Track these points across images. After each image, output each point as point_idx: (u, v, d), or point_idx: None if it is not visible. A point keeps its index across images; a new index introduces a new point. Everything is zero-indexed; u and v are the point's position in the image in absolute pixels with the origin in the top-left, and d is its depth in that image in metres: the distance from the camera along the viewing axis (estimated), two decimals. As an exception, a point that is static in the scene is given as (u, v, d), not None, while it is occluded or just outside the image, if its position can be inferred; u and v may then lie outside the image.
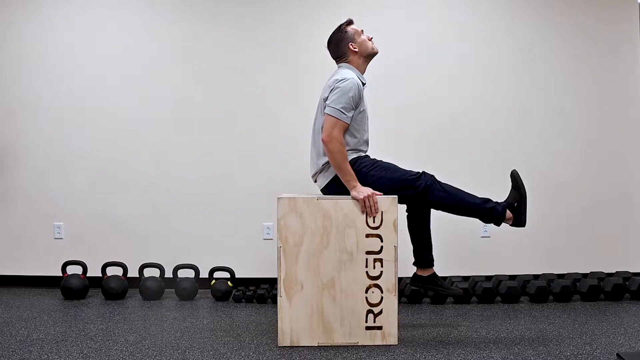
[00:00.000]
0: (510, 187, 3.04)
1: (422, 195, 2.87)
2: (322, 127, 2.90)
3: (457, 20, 4.28)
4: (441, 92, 4.26)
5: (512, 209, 2.95)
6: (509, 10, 4.29)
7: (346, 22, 3.08)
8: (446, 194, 2.88)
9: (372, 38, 3.08)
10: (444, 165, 4.22)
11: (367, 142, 3.04)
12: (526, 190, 2.93)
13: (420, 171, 2.92)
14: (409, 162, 4.02)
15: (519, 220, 2.95)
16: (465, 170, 4.24)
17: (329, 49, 3.10)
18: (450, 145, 4.25)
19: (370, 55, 3.07)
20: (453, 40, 4.27)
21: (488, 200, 2.93)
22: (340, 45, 3.04)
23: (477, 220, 4.20)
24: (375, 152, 3.25)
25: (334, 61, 3.12)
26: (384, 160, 2.99)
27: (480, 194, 4.21)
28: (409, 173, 2.91)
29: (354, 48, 3.02)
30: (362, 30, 3.07)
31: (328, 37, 3.10)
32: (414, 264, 3.10)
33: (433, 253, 3.10)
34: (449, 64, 4.27)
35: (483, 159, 4.26)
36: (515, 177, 2.98)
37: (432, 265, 3.09)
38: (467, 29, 4.27)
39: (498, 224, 2.95)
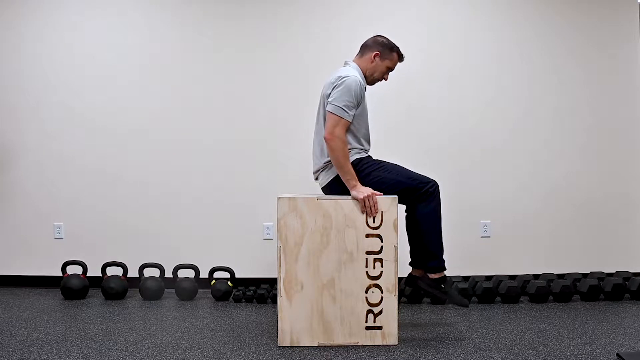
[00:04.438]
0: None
1: (419, 196, 2.87)
2: (324, 124, 2.91)
3: (457, 20, 4.27)
4: (441, 93, 4.26)
5: (440, 280, 2.95)
6: (509, 10, 4.29)
7: (401, 52, 3.08)
8: (433, 212, 2.89)
9: (385, 80, 3.09)
10: (446, 165, 4.22)
11: (368, 141, 3.04)
12: (443, 300, 3.01)
13: (430, 178, 2.92)
14: (414, 166, 4.02)
15: (426, 285, 2.97)
16: (466, 170, 4.24)
17: (367, 39, 3.08)
18: (455, 147, 4.25)
19: (367, 78, 3.05)
20: (453, 40, 4.27)
21: (443, 252, 2.94)
22: (374, 46, 3.03)
23: (477, 219, 4.25)
24: (382, 157, 3.23)
25: (348, 55, 3.12)
26: (390, 162, 2.99)
27: (483, 193, 4.23)
28: (415, 176, 2.91)
29: (373, 59, 3.02)
30: (391, 67, 3.07)
31: (380, 34, 3.10)
32: (410, 264, 3.10)
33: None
34: (453, 66, 4.26)
35: (484, 159, 4.25)
36: (462, 301, 2.97)
37: None
38: (467, 29, 4.27)
39: (422, 267, 2.98)
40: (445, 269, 2.97)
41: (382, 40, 3.06)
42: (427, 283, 2.98)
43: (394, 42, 3.09)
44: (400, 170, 2.94)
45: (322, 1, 4.26)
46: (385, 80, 3.11)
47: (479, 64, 4.27)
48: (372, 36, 3.10)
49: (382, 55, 3.03)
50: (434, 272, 2.95)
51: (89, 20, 4.25)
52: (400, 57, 3.09)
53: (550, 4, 4.30)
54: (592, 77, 4.31)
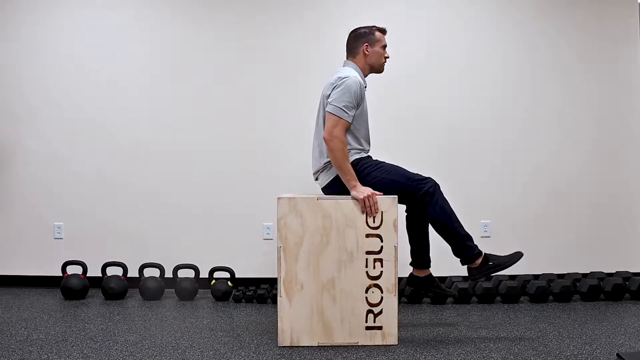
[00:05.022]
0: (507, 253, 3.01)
1: (421, 198, 2.87)
2: (323, 125, 2.91)
3: (459, 19, 4.27)
4: (442, 93, 4.26)
5: (484, 262, 2.93)
6: (509, 12, 4.29)
7: (380, 27, 3.09)
8: (440, 209, 2.89)
9: (388, 58, 3.09)
10: (446, 164, 4.22)
11: (368, 141, 3.04)
12: (507, 268, 2.92)
13: (426, 176, 2.92)
14: (414, 165, 4.02)
15: (477, 274, 2.94)
16: (466, 170, 4.24)
17: (348, 38, 3.09)
18: (454, 147, 4.25)
19: (374, 69, 3.07)
20: (456, 41, 4.27)
21: (470, 238, 2.94)
22: (357, 41, 3.04)
23: (477, 220, 4.25)
24: (382, 156, 3.24)
25: (345, 55, 3.11)
26: (388, 162, 2.99)
27: (483, 193, 4.23)
28: (413, 175, 2.91)
29: (366, 52, 3.03)
30: (385, 45, 3.07)
31: (354, 28, 3.11)
32: (411, 264, 3.10)
33: (431, 254, 3.10)
34: (453, 66, 4.26)
35: (484, 159, 4.25)
36: (518, 255, 2.95)
37: (429, 266, 3.08)
38: (469, 30, 4.27)
39: (463, 263, 2.97)
40: (480, 254, 2.93)
41: (361, 31, 3.06)
42: (481, 272, 2.92)
43: (367, 25, 3.10)
44: (398, 171, 2.94)
45: (324, 1, 4.26)
46: (388, 58, 3.10)
47: (480, 64, 4.27)
48: (349, 34, 3.10)
49: (370, 43, 3.04)
50: (476, 259, 2.93)
51: (89, 21, 4.25)
52: (383, 31, 3.09)
53: (550, 5, 4.30)
54: (592, 77, 4.31)
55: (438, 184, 2.92)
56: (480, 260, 2.94)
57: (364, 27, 3.08)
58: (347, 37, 3.10)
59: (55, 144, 4.24)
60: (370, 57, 3.04)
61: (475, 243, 2.95)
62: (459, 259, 2.97)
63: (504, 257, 2.95)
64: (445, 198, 2.92)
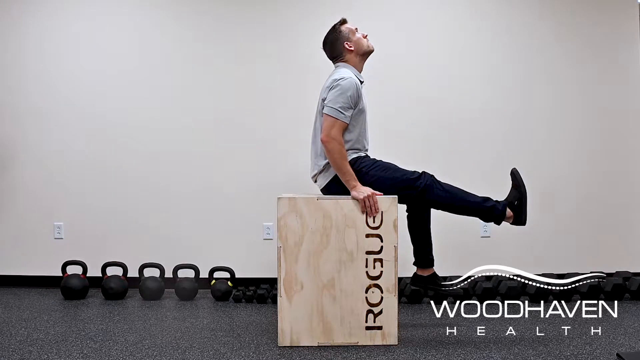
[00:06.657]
0: (510, 186, 3.05)
1: (422, 194, 2.87)
2: (321, 127, 2.91)
3: (458, 21, 4.28)
4: (441, 92, 4.26)
5: (512, 208, 2.96)
6: (509, 11, 4.29)
7: (340, 21, 3.09)
8: (446, 193, 2.89)
9: (367, 36, 3.08)
10: (445, 165, 4.22)
11: (367, 141, 3.04)
12: (526, 188, 2.94)
13: (420, 171, 2.92)
14: (410, 162, 4.02)
15: (520, 218, 2.97)
16: (466, 170, 4.24)
17: (324, 50, 3.10)
18: (451, 146, 4.25)
19: (366, 53, 3.07)
20: (452, 40, 4.27)
21: (488, 199, 2.93)
22: (336, 45, 3.04)
23: (478, 220, 4.22)
24: (376, 153, 3.24)
25: (331, 61, 3.12)
26: (385, 160, 2.99)
27: (481, 194, 4.23)
28: (409, 173, 2.91)
29: (350, 47, 3.03)
30: (356, 29, 3.07)
31: (323, 38, 3.10)
32: (415, 263, 3.10)
33: (433, 253, 3.10)
34: (449, 64, 4.27)
35: (483, 159, 4.25)
36: (515, 175, 2.99)
37: (432, 265, 3.09)
38: (466, 30, 4.28)
39: (498, 223, 2.96)
40: (505, 205, 2.95)
41: (331, 37, 3.06)
42: (520, 215, 2.99)
43: (332, 26, 3.08)
44: (394, 169, 2.95)
45: (326, 1, 4.26)
46: (367, 35, 3.08)
47: (480, 64, 4.27)
48: (324, 46, 3.09)
49: (347, 39, 3.03)
50: (506, 213, 2.95)
51: (89, 20, 4.25)
52: (344, 21, 3.10)
53: (550, 5, 4.30)
54: (591, 77, 4.31)
55: (432, 175, 2.92)
56: (510, 212, 2.96)
57: (330, 32, 3.08)
58: (324, 51, 3.11)
59: (56, 144, 4.24)
60: (355, 48, 3.03)
61: (495, 199, 2.95)
62: (493, 223, 2.98)
63: (513, 190, 2.99)
64: (443, 182, 2.92)
